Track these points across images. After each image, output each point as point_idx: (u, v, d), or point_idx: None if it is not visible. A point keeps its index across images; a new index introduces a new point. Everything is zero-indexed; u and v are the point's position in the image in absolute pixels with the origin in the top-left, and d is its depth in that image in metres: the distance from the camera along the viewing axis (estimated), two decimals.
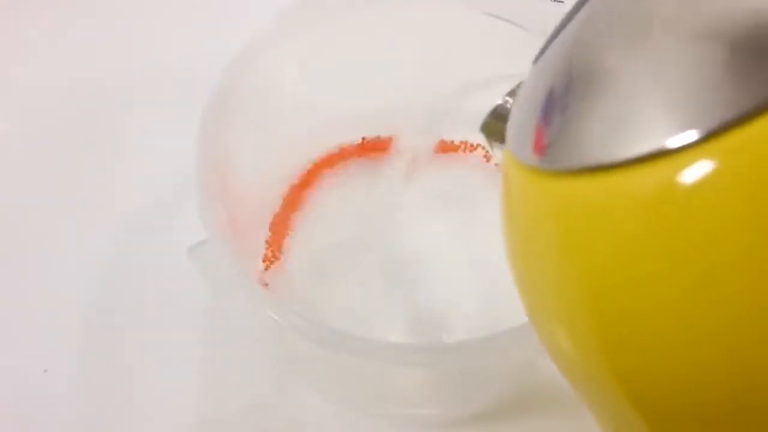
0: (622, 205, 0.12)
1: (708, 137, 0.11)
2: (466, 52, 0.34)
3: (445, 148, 0.37)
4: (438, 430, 0.32)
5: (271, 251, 0.34)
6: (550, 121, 0.14)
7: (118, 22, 0.42)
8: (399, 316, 0.32)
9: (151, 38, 0.41)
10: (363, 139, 0.36)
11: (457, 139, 0.36)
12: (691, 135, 0.11)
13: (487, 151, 0.36)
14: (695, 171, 0.11)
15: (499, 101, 0.22)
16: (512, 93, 0.21)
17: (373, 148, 0.36)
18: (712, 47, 0.12)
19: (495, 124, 0.22)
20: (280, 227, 0.35)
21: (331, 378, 0.31)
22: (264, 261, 0.33)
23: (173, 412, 0.31)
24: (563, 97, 0.14)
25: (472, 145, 0.36)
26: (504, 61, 0.33)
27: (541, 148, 0.14)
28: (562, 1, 0.41)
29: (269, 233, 0.34)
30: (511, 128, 0.16)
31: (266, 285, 0.33)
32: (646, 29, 0.13)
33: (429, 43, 0.33)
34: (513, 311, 0.32)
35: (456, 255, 0.34)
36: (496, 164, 0.35)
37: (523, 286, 0.16)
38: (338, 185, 0.36)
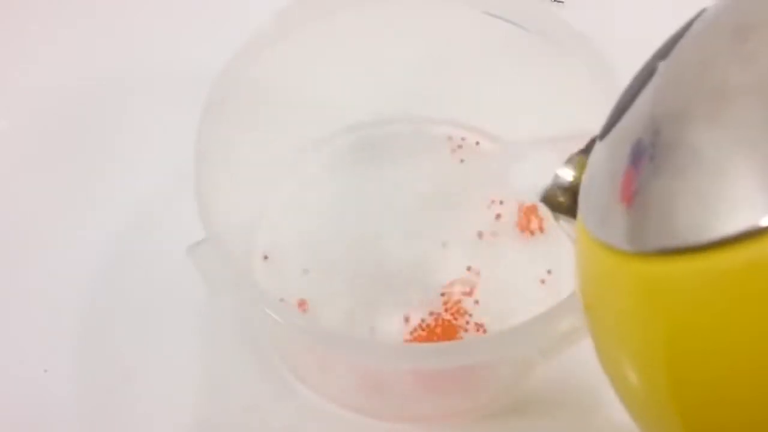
0: (713, 285, 0.12)
1: None
2: (466, 52, 0.34)
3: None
4: (438, 430, 0.32)
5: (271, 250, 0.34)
6: (632, 199, 0.14)
7: (118, 22, 0.42)
8: (399, 316, 0.32)
9: (151, 38, 0.41)
10: None
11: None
12: None
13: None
14: None
15: (558, 171, 0.21)
16: (570, 161, 0.20)
17: None
18: None
19: (556, 195, 0.22)
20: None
21: (329, 378, 0.31)
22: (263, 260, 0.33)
23: (173, 412, 0.31)
24: (644, 175, 0.14)
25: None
26: (504, 61, 0.33)
27: (623, 227, 0.14)
28: (562, 1, 0.41)
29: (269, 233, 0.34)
30: (586, 205, 0.16)
31: (266, 284, 0.33)
32: (723, 100, 0.12)
33: (429, 43, 0.33)
34: (513, 311, 0.32)
35: (457, 255, 0.34)
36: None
37: (603, 346, 0.16)
38: (338, 183, 0.36)
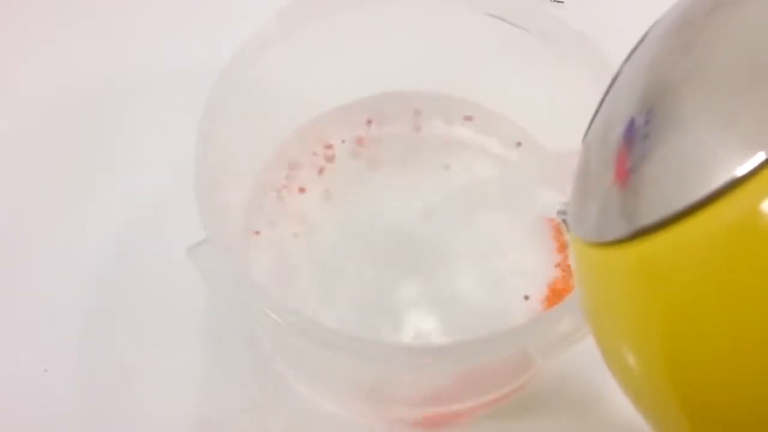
0: (698, 248, 0.12)
1: None
2: (466, 52, 0.34)
3: None
4: (437, 430, 0.32)
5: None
6: (622, 184, 0.14)
7: (118, 22, 0.42)
8: (399, 316, 0.32)
9: (151, 38, 0.41)
10: None
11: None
12: (760, 157, 0.11)
13: None
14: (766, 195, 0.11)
15: None
16: None
17: None
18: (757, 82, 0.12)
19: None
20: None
21: (330, 378, 0.31)
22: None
23: (173, 412, 0.31)
24: (635, 156, 0.14)
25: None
26: (504, 61, 0.33)
27: (605, 221, 0.14)
28: (562, 2, 0.41)
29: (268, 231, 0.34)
30: (572, 209, 0.17)
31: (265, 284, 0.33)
32: (673, 81, 0.14)
33: (429, 44, 0.33)
34: (514, 311, 0.32)
35: (458, 254, 0.34)
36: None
37: (604, 337, 0.16)
38: (340, 183, 0.36)
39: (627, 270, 0.14)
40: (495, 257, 0.33)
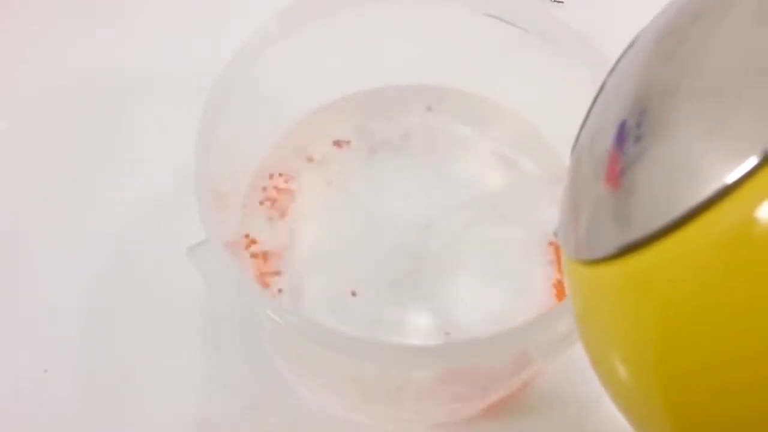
0: (693, 258, 0.12)
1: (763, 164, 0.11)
2: (466, 53, 0.34)
3: None
4: (437, 430, 0.32)
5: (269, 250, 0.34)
6: (616, 190, 0.14)
7: (118, 22, 0.42)
8: (398, 316, 0.32)
9: (151, 37, 0.41)
10: None
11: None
12: (750, 163, 0.11)
13: None
14: (760, 199, 0.11)
15: None
16: None
17: None
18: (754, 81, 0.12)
19: None
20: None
21: (330, 378, 0.31)
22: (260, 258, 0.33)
23: (173, 412, 0.31)
24: (627, 160, 0.14)
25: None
26: (504, 61, 0.33)
27: (595, 239, 0.14)
28: (562, 2, 0.41)
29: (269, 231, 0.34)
30: (562, 226, 0.17)
31: (266, 284, 0.33)
32: (654, 91, 0.14)
33: (429, 44, 0.33)
34: (514, 310, 0.32)
35: (459, 254, 0.34)
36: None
37: (595, 349, 0.16)
38: (338, 183, 0.36)
39: (619, 285, 0.14)
40: (495, 269, 0.33)
